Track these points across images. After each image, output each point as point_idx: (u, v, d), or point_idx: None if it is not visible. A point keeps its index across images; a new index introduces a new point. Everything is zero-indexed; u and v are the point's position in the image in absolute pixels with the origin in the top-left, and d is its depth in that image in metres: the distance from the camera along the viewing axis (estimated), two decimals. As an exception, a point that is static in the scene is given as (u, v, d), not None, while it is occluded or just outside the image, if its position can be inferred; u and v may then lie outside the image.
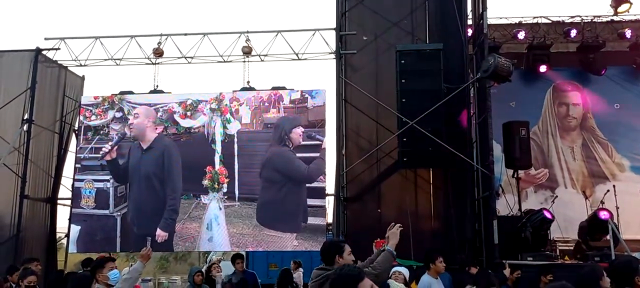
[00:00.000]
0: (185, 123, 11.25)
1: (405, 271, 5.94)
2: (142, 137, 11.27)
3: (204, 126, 11.21)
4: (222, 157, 11.03)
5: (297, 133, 10.79)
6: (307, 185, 10.65)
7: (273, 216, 10.67)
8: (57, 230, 11.99)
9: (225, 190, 10.90)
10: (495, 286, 5.55)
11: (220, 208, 10.86)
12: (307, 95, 11.00)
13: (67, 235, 11.31)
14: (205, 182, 10.95)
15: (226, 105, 11.19)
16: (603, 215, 9.17)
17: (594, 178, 12.76)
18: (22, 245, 10.83)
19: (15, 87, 11.36)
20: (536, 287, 7.03)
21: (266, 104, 11.08)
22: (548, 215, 9.32)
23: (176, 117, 11.28)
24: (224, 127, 11.11)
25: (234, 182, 10.91)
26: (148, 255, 5.11)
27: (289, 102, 11.04)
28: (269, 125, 11.02)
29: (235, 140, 11.04)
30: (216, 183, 10.92)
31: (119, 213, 11.10)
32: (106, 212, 11.12)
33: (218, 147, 11.07)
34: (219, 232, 10.82)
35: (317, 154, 10.71)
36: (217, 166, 11.00)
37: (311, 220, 10.56)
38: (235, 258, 8.64)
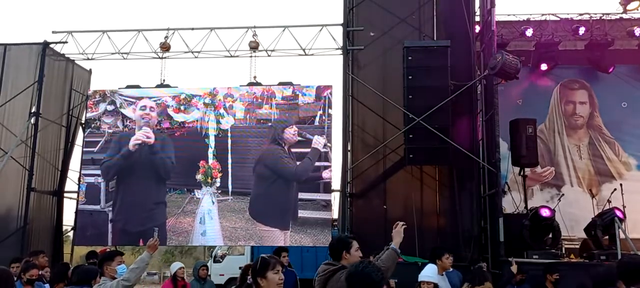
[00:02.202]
0: (178, 117, 11.27)
1: (433, 276, 5.41)
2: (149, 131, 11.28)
3: (197, 121, 11.24)
4: (215, 151, 11.05)
5: (290, 133, 10.82)
6: (306, 179, 10.65)
7: (264, 210, 10.71)
8: (64, 222, 12.04)
9: (218, 184, 10.92)
10: (489, 281, 5.54)
11: (213, 203, 10.88)
12: (298, 92, 11.02)
13: (74, 228, 11.36)
14: (199, 177, 10.97)
15: (220, 100, 11.21)
16: (619, 213, 9.14)
17: (601, 177, 12.72)
18: (29, 237, 10.88)
19: (23, 80, 11.40)
20: (542, 285, 7.03)
21: (259, 100, 11.11)
22: (544, 212, 9.28)
23: (170, 111, 11.30)
24: (218, 122, 11.13)
25: (227, 176, 10.92)
26: (155, 246, 5.07)
27: (281, 98, 11.06)
28: (261, 121, 11.06)
29: (229, 135, 11.06)
30: (209, 177, 10.94)
31: (110, 209, 11.06)
32: (97, 207, 11.09)
33: (211, 142, 11.09)
34: (212, 226, 10.84)
35: (309, 150, 10.73)
36: (211, 160, 11.02)
37: (304, 214, 10.57)
38: (281, 251, 8.20)
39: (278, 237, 10.60)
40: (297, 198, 10.58)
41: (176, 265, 8.39)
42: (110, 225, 11.01)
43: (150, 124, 11.22)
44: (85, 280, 5.08)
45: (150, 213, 10.95)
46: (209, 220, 10.85)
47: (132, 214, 11.00)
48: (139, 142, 11.08)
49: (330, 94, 10.91)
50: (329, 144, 10.68)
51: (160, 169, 11.04)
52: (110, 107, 11.46)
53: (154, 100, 11.36)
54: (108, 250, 10.71)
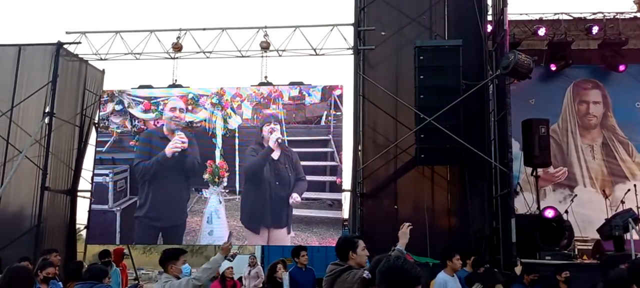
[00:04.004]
0: (186, 117, 11.33)
1: None
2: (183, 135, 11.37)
3: (205, 120, 11.28)
4: (223, 151, 11.08)
5: (265, 131, 10.90)
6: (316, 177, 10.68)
7: (242, 212, 10.80)
8: (77, 221, 12.15)
9: (225, 183, 10.95)
10: (500, 283, 5.54)
11: (221, 202, 10.91)
12: (305, 92, 11.03)
13: (87, 227, 11.46)
14: (206, 176, 11.00)
15: (227, 99, 11.26)
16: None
17: (614, 178, 12.59)
18: (43, 236, 10.98)
19: (37, 81, 11.51)
20: (555, 286, 7.00)
21: (266, 100, 11.14)
22: (548, 213, 9.24)
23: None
24: (225, 122, 11.17)
25: (234, 176, 10.95)
26: (228, 248, 5.24)
27: (288, 98, 11.08)
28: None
29: (236, 134, 11.10)
30: (216, 177, 10.97)
31: (118, 209, 11.09)
32: (105, 207, 11.14)
33: (219, 142, 11.13)
34: (219, 226, 10.88)
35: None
36: (218, 160, 11.06)
37: (310, 213, 10.60)
38: (299, 250, 8.06)
39: (285, 237, 10.65)
40: (270, 200, 10.60)
41: (225, 265, 8.32)
42: (137, 219, 11.06)
43: (180, 126, 11.29)
44: (97, 277, 5.13)
45: (175, 211, 11.04)
46: (216, 219, 10.88)
47: (160, 213, 11.04)
48: (178, 149, 11.15)
49: (338, 94, 10.91)
50: (334, 151, 10.68)
51: (189, 171, 11.12)
52: (118, 107, 11.54)
53: (182, 96, 11.43)
54: (123, 249, 10.84)
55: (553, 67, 12.54)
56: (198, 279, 4.71)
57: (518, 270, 7.22)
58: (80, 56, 12.13)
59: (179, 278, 4.84)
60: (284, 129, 10.92)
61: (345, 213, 10.88)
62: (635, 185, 11.24)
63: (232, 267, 8.46)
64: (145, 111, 11.48)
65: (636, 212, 9.59)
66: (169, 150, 11.13)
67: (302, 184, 10.65)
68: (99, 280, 5.05)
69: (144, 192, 11.10)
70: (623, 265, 5.65)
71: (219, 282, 8.25)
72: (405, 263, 2.69)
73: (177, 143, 11.14)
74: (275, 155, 10.81)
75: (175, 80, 11.66)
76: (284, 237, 10.56)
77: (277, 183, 10.72)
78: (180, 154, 11.14)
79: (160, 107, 11.44)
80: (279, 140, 10.77)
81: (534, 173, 10.70)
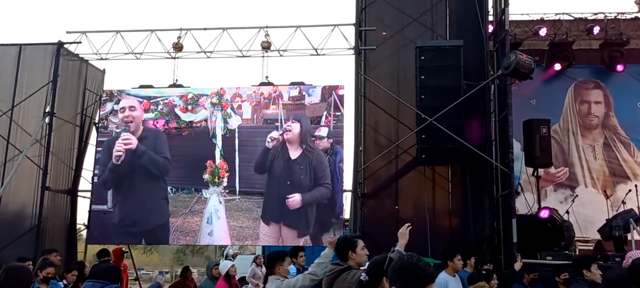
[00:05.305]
0: (186, 117, 11.32)
1: None
2: (137, 129, 11.32)
3: (205, 120, 11.27)
4: (223, 151, 11.07)
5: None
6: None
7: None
8: (77, 221, 12.14)
9: (225, 184, 10.93)
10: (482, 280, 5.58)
11: (221, 202, 10.89)
12: (304, 92, 11.02)
13: (87, 227, 11.45)
14: (206, 176, 10.98)
15: (227, 99, 11.25)
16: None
17: (615, 178, 12.59)
18: (43, 236, 10.96)
19: (37, 80, 11.49)
20: (555, 286, 6.97)
21: (266, 100, 11.12)
22: (543, 213, 9.23)
23: (177, 110, 11.35)
24: (225, 122, 11.16)
25: (234, 176, 10.94)
26: (335, 242, 5.28)
27: (288, 98, 11.07)
28: (268, 121, 11.08)
29: (237, 134, 11.08)
30: (216, 177, 10.96)
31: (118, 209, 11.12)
32: (104, 207, 11.14)
33: (219, 142, 11.12)
34: (219, 226, 10.85)
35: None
36: (218, 160, 11.05)
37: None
38: (297, 251, 8.00)
39: (288, 238, 10.57)
40: (278, 198, 10.57)
41: (227, 264, 8.30)
42: (113, 227, 11.06)
43: (132, 127, 11.23)
44: (109, 276, 4.98)
45: (151, 213, 11.01)
46: (216, 219, 10.86)
47: (133, 216, 11.02)
48: (121, 153, 11.07)
49: (337, 94, 10.89)
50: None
51: (150, 169, 11.06)
52: (116, 107, 11.54)
53: (138, 99, 11.41)
54: (121, 248, 10.84)
55: (558, 66, 12.52)
56: (314, 273, 4.76)
57: (517, 265, 7.22)
58: (80, 56, 12.11)
59: (286, 277, 4.93)
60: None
61: (346, 213, 10.87)
62: (636, 186, 11.24)
63: (234, 265, 8.46)
64: (145, 111, 11.47)
65: (637, 212, 9.58)
66: (114, 154, 11.08)
67: (322, 190, 10.50)
68: (112, 281, 4.88)
69: (111, 201, 11.09)
70: (595, 264, 5.70)
71: (224, 280, 8.24)
72: (419, 261, 2.66)
73: (118, 147, 11.08)
74: (294, 154, 10.72)
75: (176, 80, 11.64)
76: (294, 239, 10.41)
77: (288, 183, 10.64)
78: (135, 158, 11.07)
79: (160, 106, 11.43)
80: (272, 137, 10.71)
81: (535, 174, 10.69)
